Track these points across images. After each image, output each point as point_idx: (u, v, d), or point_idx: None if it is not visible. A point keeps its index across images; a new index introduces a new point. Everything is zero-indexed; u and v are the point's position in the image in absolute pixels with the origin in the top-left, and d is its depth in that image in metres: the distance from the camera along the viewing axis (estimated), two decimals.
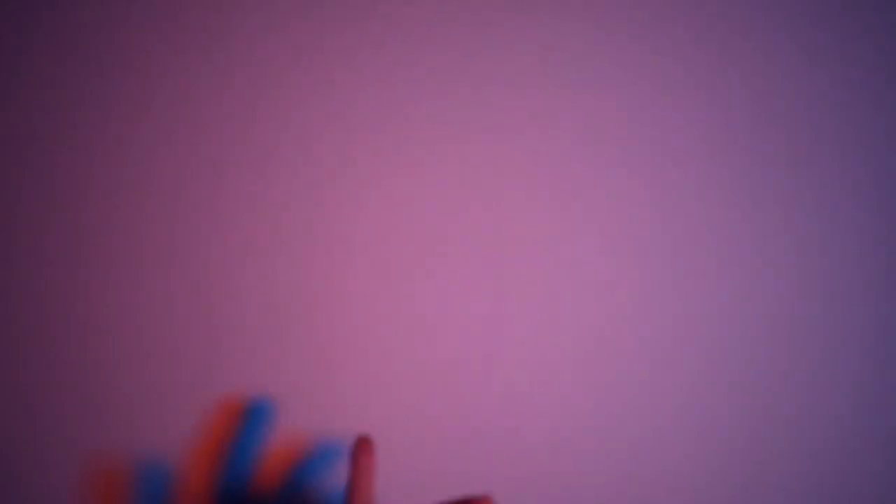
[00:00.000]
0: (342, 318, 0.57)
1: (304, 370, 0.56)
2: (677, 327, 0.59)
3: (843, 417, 0.59)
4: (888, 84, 0.60)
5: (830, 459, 0.59)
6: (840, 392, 0.59)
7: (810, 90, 0.60)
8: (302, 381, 0.56)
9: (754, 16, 0.60)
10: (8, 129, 0.58)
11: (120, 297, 0.57)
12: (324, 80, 0.59)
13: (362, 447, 0.48)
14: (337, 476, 0.56)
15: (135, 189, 0.58)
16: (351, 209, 0.58)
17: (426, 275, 0.59)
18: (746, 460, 0.59)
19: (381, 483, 0.57)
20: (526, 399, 0.59)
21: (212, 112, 0.58)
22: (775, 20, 0.60)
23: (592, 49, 0.60)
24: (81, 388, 0.57)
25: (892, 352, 0.59)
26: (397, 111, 0.59)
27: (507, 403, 0.59)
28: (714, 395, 0.59)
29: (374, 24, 0.59)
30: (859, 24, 0.60)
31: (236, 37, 0.59)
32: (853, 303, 0.59)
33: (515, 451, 0.58)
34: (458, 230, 0.59)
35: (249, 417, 0.55)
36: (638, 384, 0.59)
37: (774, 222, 0.60)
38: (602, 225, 0.59)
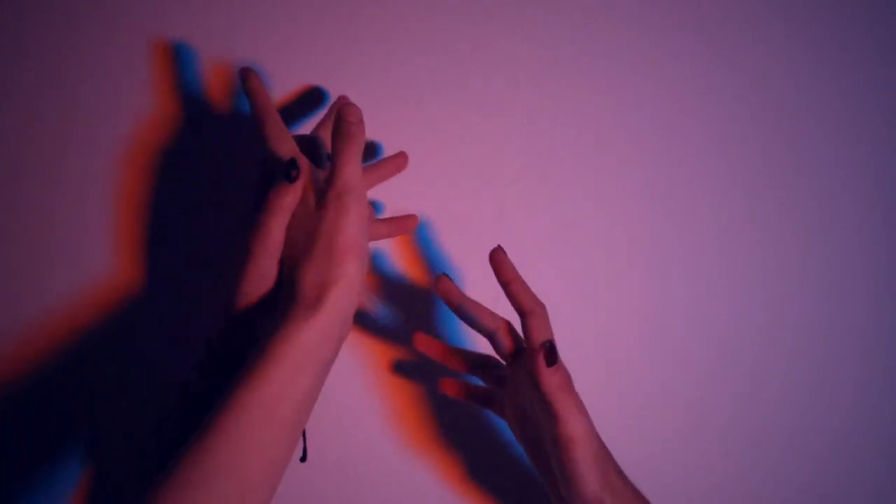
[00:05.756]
0: None
1: None
2: (681, 327, 0.59)
3: (845, 415, 0.59)
4: (889, 84, 0.60)
5: (832, 457, 0.59)
6: (842, 390, 0.59)
7: (814, 91, 0.60)
8: None
9: (758, 16, 0.60)
10: None
11: None
12: (324, 77, 0.59)
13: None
14: None
15: None
16: None
17: (426, 272, 0.59)
18: (749, 458, 0.59)
19: None
20: None
21: None
22: (779, 20, 0.60)
23: (598, 49, 0.60)
24: None
25: (892, 350, 0.59)
26: (400, 106, 0.59)
27: None
28: (716, 394, 0.59)
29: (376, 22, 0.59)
30: (862, 24, 0.60)
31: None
32: (855, 301, 0.59)
33: (518, 451, 0.58)
34: (457, 227, 0.59)
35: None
36: (640, 384, 0.59)
37: (778, 222, 0.59)
38: (606, 224, 0.59)
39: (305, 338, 0.42)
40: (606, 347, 0.59)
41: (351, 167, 0.46)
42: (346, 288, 0.43)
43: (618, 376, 0.59)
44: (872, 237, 0.59)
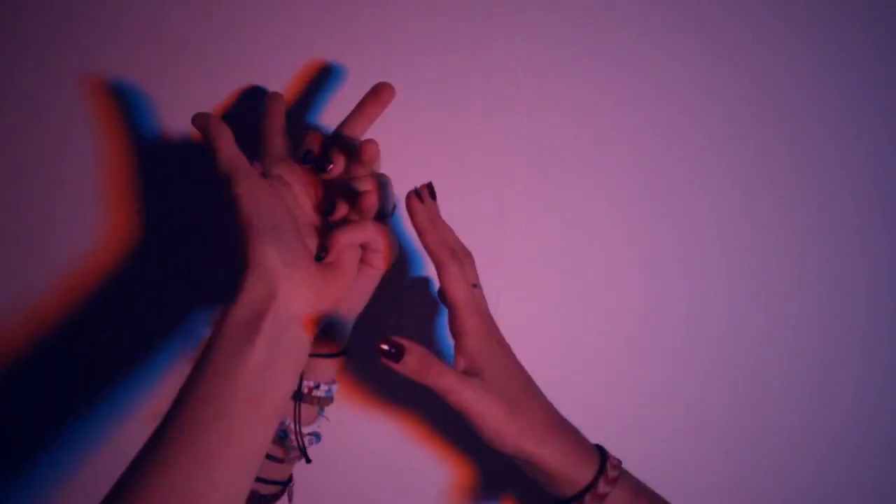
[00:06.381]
0: None
1: None
2: (681, 327, 0.59)
3: (845, 415, 0.59)
4: (889, 84, 0.60)
5: (832, 457, 0.59)
6: (842, 390, 0.59)
7: (814, 91, 0.60)
8: None
9: (758, 16, 0.60)
10: None
11: None
12: (324, 77, 0.59)
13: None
14: None
15: None
16: None
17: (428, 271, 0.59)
18: (749, 458, 0.59)
19: None
20: None
21: None
22: (779, 20, 0.60)
23: (598, 49, 0.60)
24: None
25: (892, 350, 0.59)
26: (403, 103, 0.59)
27: None
28: (716, 394, 0.59)
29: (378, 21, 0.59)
30: (862, 24, 0.60)
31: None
32: (855, 301, 0.59)
33: None
34: (457, 228, 0.59)
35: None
36: (640, 384, 0.59)
37: (778, 222, 0.59)
38: (606, 224, 0.59)
39: (234, 318, 0.43)
40: (606, 347, 0.59)
41: (221, 155, 0.47)
42: (259, 272, 0.44)
43: (618, 376, 0.59)
44: (872, 237, 0.59)
